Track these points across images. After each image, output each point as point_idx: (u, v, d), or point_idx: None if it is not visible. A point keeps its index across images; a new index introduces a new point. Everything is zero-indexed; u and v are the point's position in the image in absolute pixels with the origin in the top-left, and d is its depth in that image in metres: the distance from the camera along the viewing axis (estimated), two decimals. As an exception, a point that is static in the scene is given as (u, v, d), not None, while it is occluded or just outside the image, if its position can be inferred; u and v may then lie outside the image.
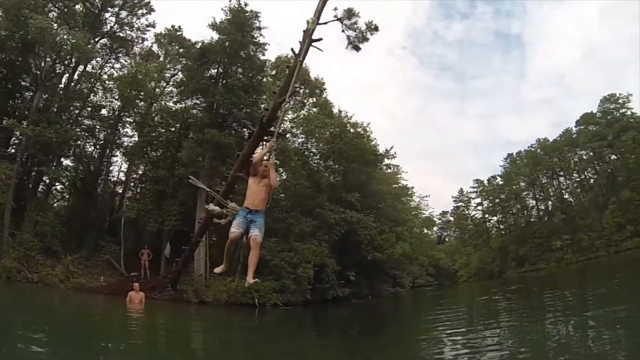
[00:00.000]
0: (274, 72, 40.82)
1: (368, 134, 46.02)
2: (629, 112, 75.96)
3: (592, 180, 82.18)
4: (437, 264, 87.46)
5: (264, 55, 37.36)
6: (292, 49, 21.02)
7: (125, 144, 39.19)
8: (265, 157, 7.61)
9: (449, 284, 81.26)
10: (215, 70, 35.80)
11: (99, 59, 35.99)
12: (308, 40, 19.07)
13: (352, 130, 43.81)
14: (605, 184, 76.60)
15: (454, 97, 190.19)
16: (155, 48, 40.67)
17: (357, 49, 22.85)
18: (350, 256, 39.09)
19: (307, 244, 35.39)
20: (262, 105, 32.18)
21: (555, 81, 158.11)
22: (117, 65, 37.87)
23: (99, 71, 36.90)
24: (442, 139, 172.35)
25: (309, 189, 39.42)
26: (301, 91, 42.91)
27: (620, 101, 77.38)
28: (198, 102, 36.53)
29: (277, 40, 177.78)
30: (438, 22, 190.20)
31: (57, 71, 32.11)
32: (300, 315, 28.55)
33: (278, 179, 48.72)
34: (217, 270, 7.27)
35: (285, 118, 42.03)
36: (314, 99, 44.52)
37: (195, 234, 25.64)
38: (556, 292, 28.48)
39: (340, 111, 45.30)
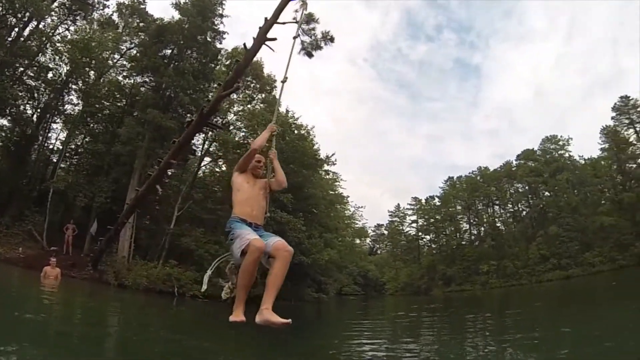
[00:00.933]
0: (228, 62, 39.26)
1: (311, 137, 45.27)
2: (566, 154, 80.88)
3: (524, 212, 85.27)
4: (366, 274, 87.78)
5: (220, 43, 36.47)
6: (244, 44, 20.63)
7: (68, 111, 36.91)
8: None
9: (376, 296, 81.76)
10: (170, 51, 34.40)
11: (54, 17, 33.50)
12: (261, 37, 18.65)
13: (295, 131, 43.12)
14: (536, 217, 79.81)
15: (406, 114, 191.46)
16: (115, 17, 38.42)
17: (310, 55, 23.27)
18: None
19: None
20: (210, 94, 31.51)
21: (504, 115, 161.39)
22: (72, 29, 35.45)
23: (52, 31, 33.99)
24: (387, 153, 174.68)
25: (244, 183, 38.72)
26: (252, 86, 42.25)
27: (560, 143, 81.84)
28: (147, 80, 34.92)
29: (243, 30, 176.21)
30: (403, 41, 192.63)
31: (8, 23, 29.75)
32: (218, 310, 27.88)
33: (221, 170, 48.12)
34: (236, 318, 4.41)
35: (232, 110, 41.47)
36: (263, 95, 43.57)
37: (122, 214, 24.55)
38: (479, 313, 28.35)
39: (287, 111, 44.61)
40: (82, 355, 7.75)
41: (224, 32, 35.53)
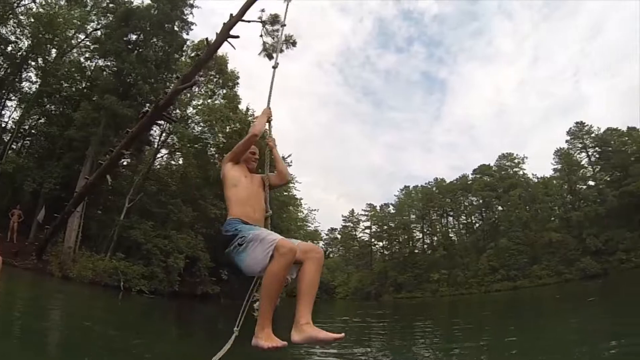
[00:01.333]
0: (193, 54, 38.68)
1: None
2: (520, 172, 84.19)
3: (477, 225, 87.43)
4: None
5: (188, 34, 35.71)
6: (206, 39, 20.21)
7: (25, 89, 35.16)
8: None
9: (327, 299, 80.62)
10: (135, 37, 33.29)
11: (19, -12, 31.54)
12: (224, 34, 18.24)
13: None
14: (488, 230, 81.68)
15: (368, 121, 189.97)
16: (85, -6, 36.49)
17: (270, 57, 22.57)
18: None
19: (184, 234, 33.44)
20: (172, 86, 31.02)
21: (465, 130, 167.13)
22: (38, 1, 33.47)
23: (16, 2, 32.21)
24: (346, 158, 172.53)
25: (197, 179, 37.83)
26: (215, 80, 41.68)
27: (516, 160, 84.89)
28: (109, 64, 33.54)
29: (217, 22, 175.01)
30: (373, 49, 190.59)
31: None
32: (165, 307, 27.10)
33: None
34: (275, 343, 3.07)
35: (192, 104, 40.78)
36: (225, 91, 42.89)
37: (71, 202, 23.52)
38: (427, 320, 28.24)
39: (248, 109, 44.01)
40: (20, 350, 7.29)
41: (192, 23, 34.83)
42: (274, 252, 3.11)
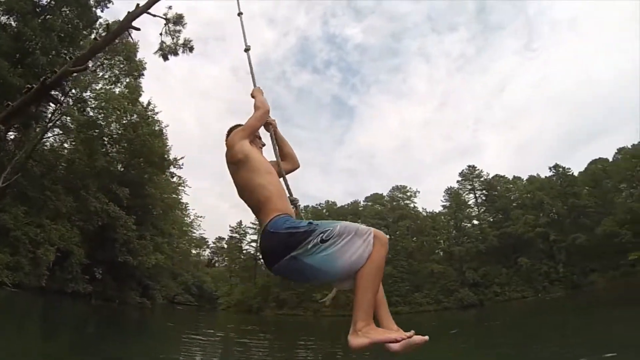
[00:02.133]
0: (105, 34, 35.50)
1: (164, 136, 42.10)
2: (411, 205, 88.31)
3: None
4: (202, 286, 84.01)
5: (102, 11, 32.46)
6: (107, 24, 18.61)
7: None
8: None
9: (209, 309, 77.75)
10: (47, 3, 30.13)
11: None
12: (126, 24, 16.98)
13: (150, 126, 39.81)
14: None
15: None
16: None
17: (165, 58, 21.98)
18: (102, 252, 34.46)
19: (59, 225, 29.99)
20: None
21: (365, 158, 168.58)
22: None
23: None
24: None
25: (86, 167, 34.70)
26: (122, 67, 38.65)
27: (408, 193, 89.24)
28: (12, 24, 29.78)
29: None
30: (291, 65, 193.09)
31: None
32: (29, 302, 24.12)
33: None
34: (403, 335, 2.40)
35: (91, 88, 37.33)
36: (128, 80, 39.96)
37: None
38: (309, 339, 27.83)
39: (149, 103, 41.31)
40: None
41: (109, 1, 31.55)
42: (374, 242, 2.62)
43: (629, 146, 77.64)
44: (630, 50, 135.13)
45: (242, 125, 3.51)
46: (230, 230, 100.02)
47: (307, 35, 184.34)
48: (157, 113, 41.68)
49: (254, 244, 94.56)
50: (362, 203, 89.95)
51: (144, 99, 41.64)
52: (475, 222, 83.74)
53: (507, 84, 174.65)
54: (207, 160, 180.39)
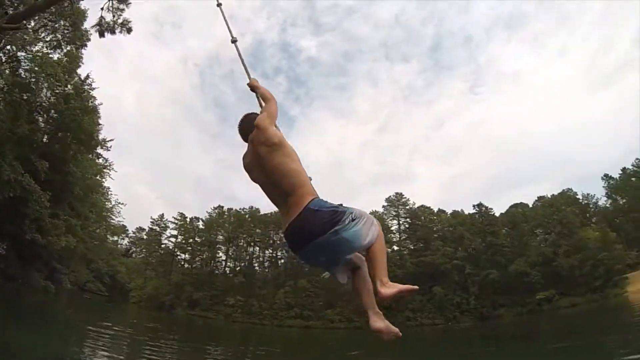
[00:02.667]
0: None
1: (97, 114, 39.92)
2: None
3: (281, 261, 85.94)
4: (115, 276, 79.27)
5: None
6: None
7: None
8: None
9: (120, 301, 74.78)
10: None
11: None
12: None
13: (83, 101, 37.71)
14: (291, 268, 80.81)
15: (209, 132, 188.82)
16: None
17: (101, 35, 21.78)
18: (9, 226, 32.99)
19: None
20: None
21: None
22: None
23: None
24: (177, 161, 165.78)
25: (7, 132, 32.36)
26: (66, 33, 35.84)
27: None
28: None
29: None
30: (240, 66, 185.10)
31: None
32: None
33: None
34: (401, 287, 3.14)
35: (29, 48, 34.87)
36: (69, 48, 37.57)
37: None
38: (220, 344, 28.31)
39: (87, 77, 39.20)
40: None
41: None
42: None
43: (549, 196, 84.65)
44: (562, 111, 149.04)
45: (257, 113, 3.78)
46: (151, 222, 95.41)
47: (263, 39, 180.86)
48: (94, 89, 39.36)
49: (173, 239, 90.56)
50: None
51: (82, 72, 39.35)
52: (396, 247, 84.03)
53: (447, 121, 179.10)
54: (140, 146, 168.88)
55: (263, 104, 3.93)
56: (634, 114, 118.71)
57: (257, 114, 3.71)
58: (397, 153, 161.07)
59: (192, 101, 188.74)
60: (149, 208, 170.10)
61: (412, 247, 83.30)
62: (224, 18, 4.86)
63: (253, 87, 4.07)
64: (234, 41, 4.72)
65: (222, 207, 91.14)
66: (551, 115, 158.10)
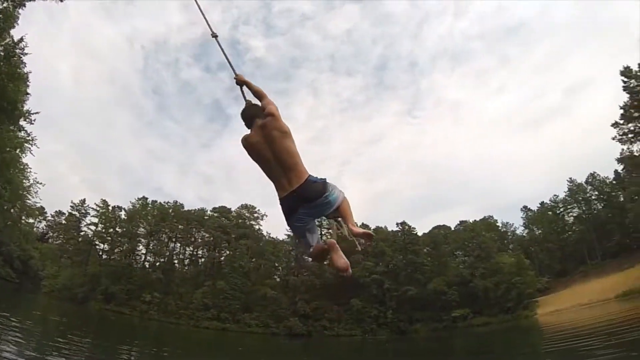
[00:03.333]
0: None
1: (26, 83, 37.00)
2: (257, 226, 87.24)
3: (202, 260, 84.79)
4: (28, 261, 72.24)
5: None
6: None
7: None
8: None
9: (30, 289, 70.30)
10: None
11: None
12: None
13: (12, 66, 35.13)
14: (210, 268, 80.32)
15: (143, 119, 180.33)
16: None
17: None
18: None
19: None
20: None
21: (226, 168, 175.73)
22: None
23: None
24: (106, 144, 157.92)
25: None
26: None
27: (255, 214, 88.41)
28: None
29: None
30: (187, 56, 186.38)
31: None
32: None
33: None
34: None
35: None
36: (5, 5, 34.62)
37: None
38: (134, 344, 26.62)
39: (21, 39, 36.36)
40: None
41: None
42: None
43: (471, 221, 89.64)
44: (491, 144, 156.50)
45: (258, 104, 4.60)
46: (71, 206, 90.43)
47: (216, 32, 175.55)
48: (26, 54, 36.37)
49: (93, 227, 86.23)
50: (208, 212, 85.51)
51: (17, 34, 36.45)
52: None
53: (381, 139, 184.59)
54: (69, 123, 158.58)
55: (248, 97, 4.78)
56: (555, 156, 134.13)
57: (259, 105, 4.57)
58: (327, 164, 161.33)
59: (131, 84, 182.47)
60: (70, 191, 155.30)
61: None
62: (201, 11, 5.32)
63: (241, 81, 4.83)
64: (214, 36, 5.15)
65: (147, 198, 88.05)
66: (481, 146, 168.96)
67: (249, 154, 4.43)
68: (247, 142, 4.42)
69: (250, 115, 4.51)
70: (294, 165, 4.20)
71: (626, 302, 42.28)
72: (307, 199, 4.14)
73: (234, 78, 4.91)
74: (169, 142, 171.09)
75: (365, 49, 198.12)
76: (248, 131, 4.47)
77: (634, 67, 52.46)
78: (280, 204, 4.31)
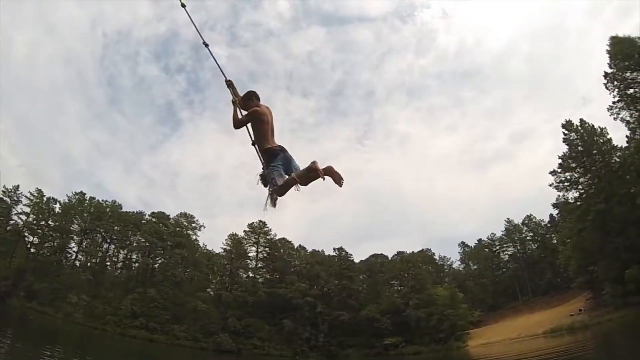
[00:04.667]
0: None
1: None
2: (194, 237, 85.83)
3: (135, 264, 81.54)
4: None
5: None
6: None
7: None
8: None
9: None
10: None
11: None
12: None
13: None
14: (142, 274, 77.85)
15: (92, 109, 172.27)
16: None
17: None
18: None
19: None
20: None
21: (170, 174, 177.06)
22: None
23: None
24: (52, 130, 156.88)
25: None
26: None
27: (194, 224, 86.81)
28: None
29: None
30: (146, 51, 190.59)
31: None
32: None
33: None
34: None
35: None
36: None
37: None
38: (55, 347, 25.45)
39: None
40: None
41: None
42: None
43: (409, 252, 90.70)
44: (436, 180, 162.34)
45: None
46: (3, 191, 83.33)
47: (177, 31, 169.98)
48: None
49: (23, 217, 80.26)
50: (147, 216, 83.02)
51: None
52: (251, 274, 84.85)
53: (327, 163, 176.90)
54: (14, 100, 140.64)
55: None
56: (495, 197, 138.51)
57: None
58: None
59: (86, 71, 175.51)
60: (5, 175, 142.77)
61: (268, 277, 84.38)
62: (191, 20, 6.33)
63: (231, 84, 6.83)
64: (205, 45, 6.50)
65: (85, 194, 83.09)
66: (426, 180, 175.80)
67: (262, 116, 6.40)
68: (266, 109, 6.58)
69: (257, 96, 6.77)
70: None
71: (553, 338, 43.52)
72: (286, 152, 6.33)
73: (226, 81, 6.84)
74: (116, 137, 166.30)
75: (324, 72, 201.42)
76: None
77: (575, 122, 55.93)
78: (271, 150, 6.31)
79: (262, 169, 6.32)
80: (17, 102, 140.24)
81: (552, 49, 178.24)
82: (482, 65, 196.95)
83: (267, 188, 6.16)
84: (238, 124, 6.39)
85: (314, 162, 5.75)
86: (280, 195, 6.05)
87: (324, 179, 5.74)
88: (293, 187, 5.92)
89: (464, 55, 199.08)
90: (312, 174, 5.83)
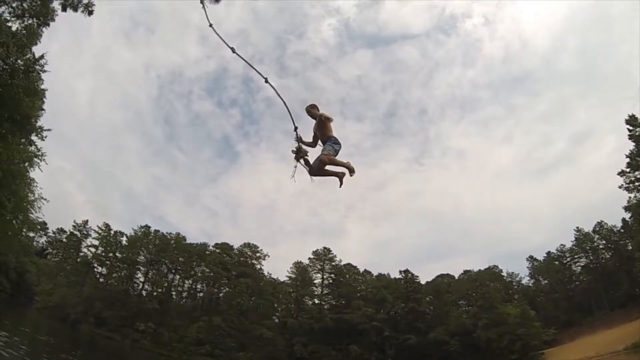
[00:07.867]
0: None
1: (42, 99, 34.84)
2: (258, 266, 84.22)
3: (200, 294, 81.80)
4: (23, 275, 64.79)
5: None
6: None
7: None
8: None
9: (23, 303, 67.44)
10: None
11: None
12: None
13: (30, 82, 32.84)
14: (208, 303, 77.40)
15: (152, 146, 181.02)
16: None
17: (64, 8, 23.49)
18: None
19: None
20: None
21: (231, 205, 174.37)
22: None
23: None
24: (114, 168, 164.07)
25: None
26: (33, 3, 32.09)
27: (258, 254, 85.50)
28: None
29: None
30: (199, 89, 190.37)
31: None
32: None
33: None
34: None
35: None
36: (32, 22, 32.94)
37: None
38: None
39: (42, 57, 34.28)
40: None
41: None
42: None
43: (475, 270, 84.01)
44: (497, 193, 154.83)
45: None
46: (73, 226, 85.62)
47: (227, 67, 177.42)
48: (45, 71, 34.20)
49: (92, 249, 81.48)
50: (210, 247, 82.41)
51: (38, 51, 34.51)
52: (317, 301, 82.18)
53: (387, 185, 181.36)
54: (79, 142, 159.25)
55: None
56: (561, 205, 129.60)
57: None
58: (331, 208, 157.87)
59: (143, 111, 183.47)
60: (74, 210, 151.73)
61: (334, 303, 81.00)
62: (219, 36, 7.61)
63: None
64: (232, 50, 7.63)
65: (149, 227, 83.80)
66: (487, 195, 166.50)
67: (328, 121, 8.58)
68: (315, 127, 8.77)
69: (310, 113, 8.91)
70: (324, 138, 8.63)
71: (636, 354, 40.28)
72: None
73: (265, 80, 8.19)
74: (176, 172, 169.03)
75: (375, 95, 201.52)
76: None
77: (639, 116, 50.60)
78: (333, 137, 8.58)
79: (296, 139, 8.29)
80: (82, 144, 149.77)
81: (600, 39, 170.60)
82: (531, 67, 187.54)
83: (297, 159, 8.31)
84: (314, 142, 8.84)
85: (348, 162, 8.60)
86: (322, 165, 8.26)
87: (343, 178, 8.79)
88: (314, 175, 8.57)
89: (512, 60, 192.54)
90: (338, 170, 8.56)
